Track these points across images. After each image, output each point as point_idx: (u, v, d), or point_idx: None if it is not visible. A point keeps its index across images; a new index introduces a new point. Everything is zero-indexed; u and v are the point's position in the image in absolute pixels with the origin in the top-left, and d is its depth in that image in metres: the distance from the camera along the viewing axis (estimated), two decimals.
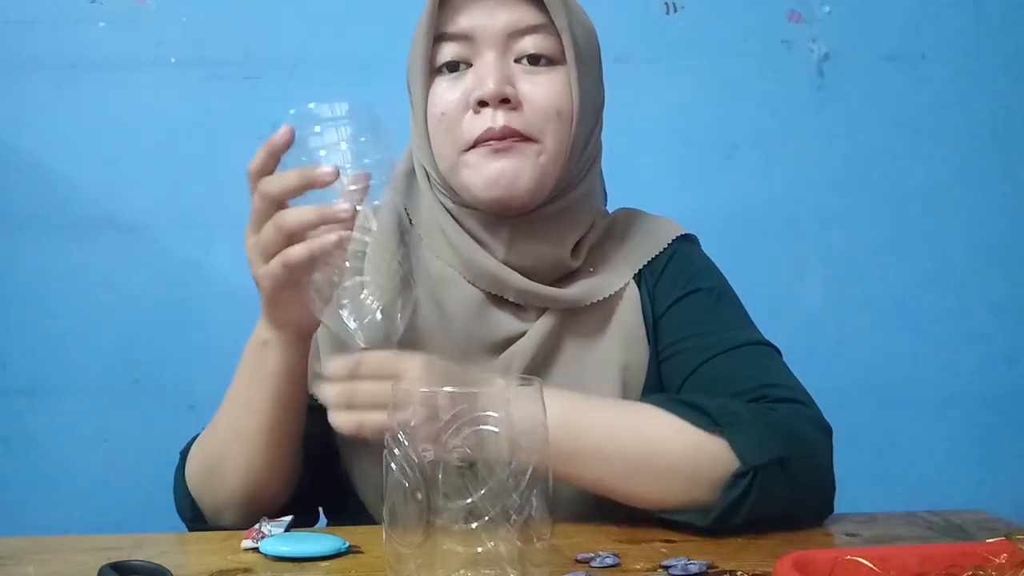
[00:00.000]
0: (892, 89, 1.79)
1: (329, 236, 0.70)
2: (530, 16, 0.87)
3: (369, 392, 0.73)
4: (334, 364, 0.75)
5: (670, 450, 0.77)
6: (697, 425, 0.77)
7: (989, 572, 0.59)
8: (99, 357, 1.68)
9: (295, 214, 0.71)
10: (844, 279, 1.80)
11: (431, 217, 0.92)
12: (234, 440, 0.83)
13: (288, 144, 0.72)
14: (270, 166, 0.73)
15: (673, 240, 0.96)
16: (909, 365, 1.80)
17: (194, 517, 0.86)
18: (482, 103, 0.85)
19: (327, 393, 0.75)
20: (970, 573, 0.59)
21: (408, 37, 0.91)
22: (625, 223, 0.98)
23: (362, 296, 0.72)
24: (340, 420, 0.74)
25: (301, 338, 0.81)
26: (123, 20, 1.69)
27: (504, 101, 0.85)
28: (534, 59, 0.87)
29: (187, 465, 0.87)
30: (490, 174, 0.85)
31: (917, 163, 1.80)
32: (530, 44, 0.87)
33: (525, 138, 0.86)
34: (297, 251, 0.71)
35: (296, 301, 0.75)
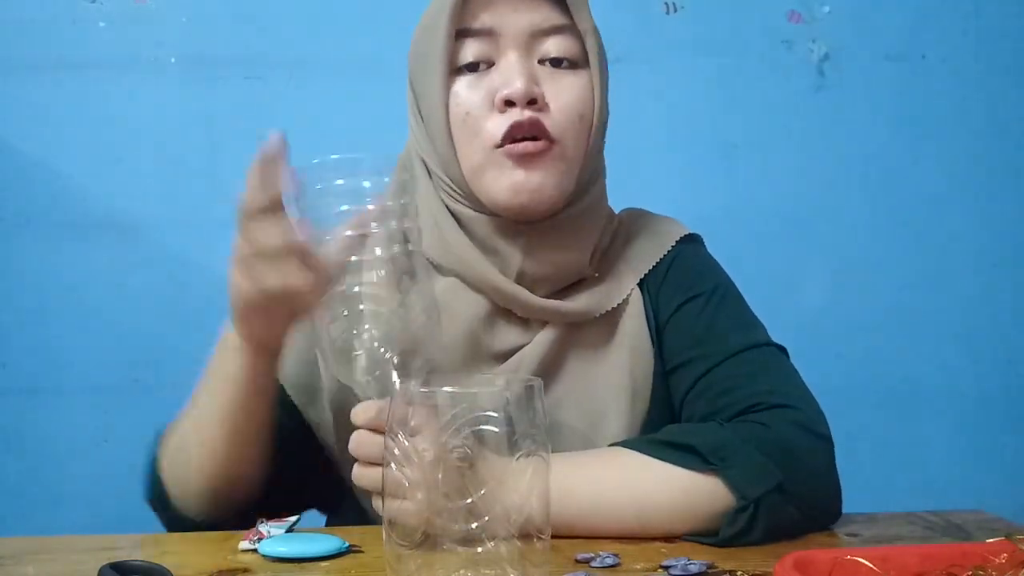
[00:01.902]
0: (892, 89, 1.79)
1: (304, 277, 0.69)
2: (554, 17, 0.85)
3: (374, 448, 0.71)
4: (356, 414, 0.73)
5: (660, 500, 0.77)
6: (687, 467, 0.76)
7: (989, 572, 0.59)
8: (99, 357, 1.68)
9: (266, 235, 0.70)
10: (844, 279, 1.80)
11: (434, 226, 0.89)
12: (195, 437, 0.83)
13: (280, 155, 0.69)
14: (261, 200, 0.70)
15: (675, 243, 0.95)
16: (909, 365, 1.80)
17: (160, 500, 0.86)
18: (509, 103, 0.83)
19: (364, 446, 0.73)
20: (970, 573, 0.59)
21: (408, 37, 0.90)
22: (630, 225, 0.97)
23: (377, 348, 0.70)
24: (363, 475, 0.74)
25: (266, 353, 0.79)
26: (123, 20, 1.68)
27: (532, 102, 0.83)
28: (556, 61, 0.85)
29: (160, 452, 0.87)
30: (516, 180, 0.84)
31: (917, 163, 1.80)
32: (553, 46, 0.85)
33: (549, 142, 0.84)
34: (271, 279, 0.70)
35: (263, 322, 0.75)
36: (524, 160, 0.83)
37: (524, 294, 0.87)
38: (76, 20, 1.68)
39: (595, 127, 0.88)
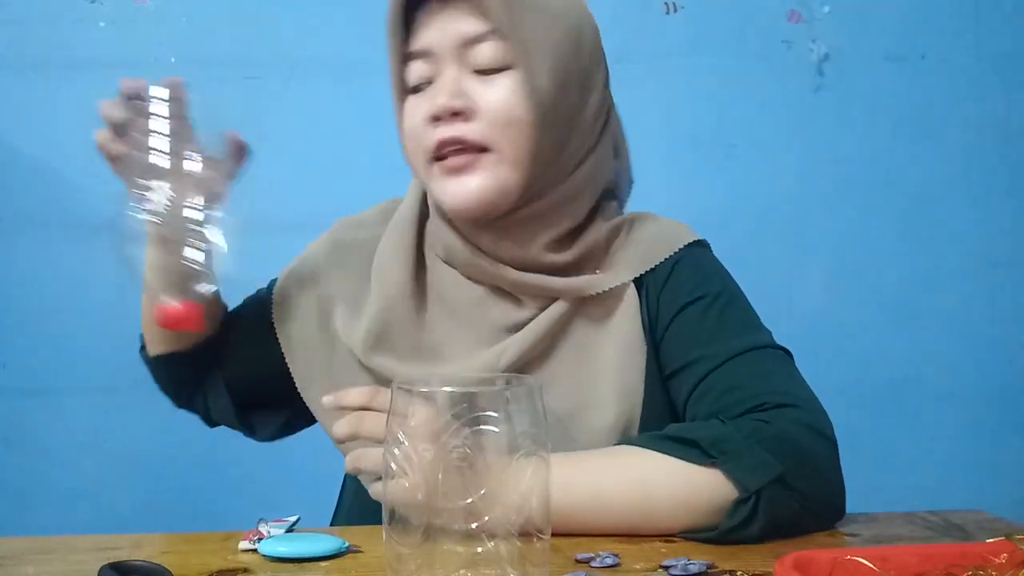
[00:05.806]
0: (892, 89, 1.80)
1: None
2: (479, 25, 0.86)
3: (378, 426, 0.76)
4: (351, 396, 0.81)
5: (662, 493, 0.77)
6: (688, 460, 0.76)
7: (989, 572, 0.59)
8: (99, 357, 1.68)
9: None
10: (844, 279, 1.80)
11: (431, 220, 0.96)
12: None
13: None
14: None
15: (681, 247, 0.95)
16: (909, 365, 1.80)
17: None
18: (436, 118, 0.86)
19: (338, 427, 0.81)
20: (970, 573, 0.59)
21: None
22: (635, 228, 0.97)
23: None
24: (345, 453, 0.80)
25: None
26: (123, 20, 1.69)
27: (456, 114, 0.86)
28: (487, 69, 0.87)
29: None
30: (450, 190, 0.87)
31: (917, 163, 1.81)
32: (480, 54, 0.86)
33: (481, 148, 0.86)
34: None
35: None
36: (456, 171, 0.87)
37: (509, 271, 0.90)
38: (76, 20, 1.68)
39: (536, 126, 0.87)
